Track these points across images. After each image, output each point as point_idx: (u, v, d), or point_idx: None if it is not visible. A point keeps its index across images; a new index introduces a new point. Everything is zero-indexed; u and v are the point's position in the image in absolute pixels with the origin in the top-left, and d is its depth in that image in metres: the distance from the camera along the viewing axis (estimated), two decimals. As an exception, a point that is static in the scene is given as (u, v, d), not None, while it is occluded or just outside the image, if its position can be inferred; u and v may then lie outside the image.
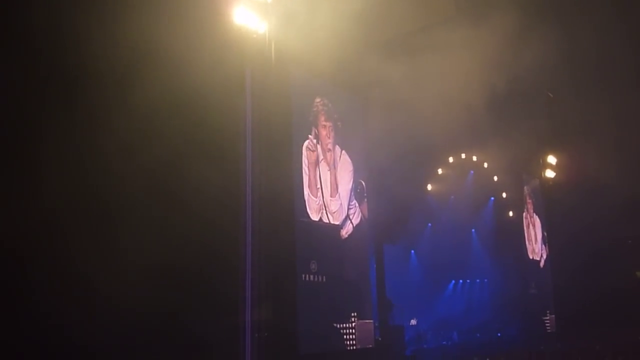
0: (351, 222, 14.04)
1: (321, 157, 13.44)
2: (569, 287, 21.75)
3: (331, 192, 13.56)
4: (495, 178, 22.39)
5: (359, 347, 13.23)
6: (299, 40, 11.90)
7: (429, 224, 22.06)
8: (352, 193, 14.24)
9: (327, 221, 13.31)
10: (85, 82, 9.08)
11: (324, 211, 13.22)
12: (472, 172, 22.33)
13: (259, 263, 10.90)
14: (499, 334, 21.12)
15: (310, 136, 13.26)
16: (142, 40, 9.38)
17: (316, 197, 13.05)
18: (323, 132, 13.67)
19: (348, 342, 13.05)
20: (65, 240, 8.59)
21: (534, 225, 23.47)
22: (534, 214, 23.62)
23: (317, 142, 13.42)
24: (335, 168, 13.82)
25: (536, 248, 23.39)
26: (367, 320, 13.74)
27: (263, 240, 11.07)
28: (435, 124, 14.72)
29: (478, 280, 23.74)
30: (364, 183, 14.54)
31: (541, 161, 23.58)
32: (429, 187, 21.15)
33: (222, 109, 10.76)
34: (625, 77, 17.65)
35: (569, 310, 21.91)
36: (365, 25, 12.10)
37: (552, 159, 23.60)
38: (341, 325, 13.00)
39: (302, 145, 13.01)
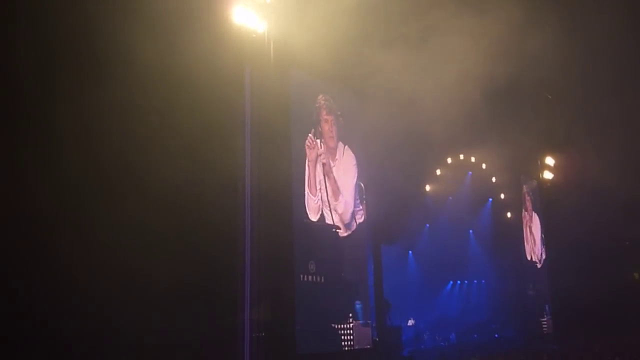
0: (355, 221, 14.05)
1: (322, 154, 13.42)
2: (566, 288, 21.70)
3: (334, 193, 13.55)
4: (494, 179, 22.40)
5: (356, 347, 13.26)
6: (297, 39, 11.91)
7: (427, 225, 21.99)
8: (357, 189, 14.24)
9: (330, 221, 13.31)
10: (80, 81, 9.04)
11: (326, 211, 13.22)
12: (470, 173, 22.29)
13: (258, 263, 10.90)
14: (496, 335, 21.15)
15: (310, 135, 13.25)
16: (142, 40, 9.36)
17: (315, 197, 13.04)
18: (325, 127, 13.67)
19: (346, 342, 13.07)
20: (61, 243, 8.58)
21: (532, 226, 23.45)
22: (532, 215, 23.62)
23: (317, 139, 13.38)
24: (339, 164, 13.79)
25: (534, 249, 23.38)
26: (364, 321, 13.75)
27: (262, 240, 11.07)
28: (434, 125, 14.69)
29: (476, 281, 23.71)
30: (362, 185, 14.54)
31: (539, 162, 23.62)
32: (427, 187, 21.12)
33: (221, 108, 10.75)
34: (625, 77, 17.67)
35: (567, 312, 21.91)
36: (364, 22, 12.07)
37: (550, 160, 23.63)
38: (339, 326, 13.02)
39: (302, 144, 13.00)
